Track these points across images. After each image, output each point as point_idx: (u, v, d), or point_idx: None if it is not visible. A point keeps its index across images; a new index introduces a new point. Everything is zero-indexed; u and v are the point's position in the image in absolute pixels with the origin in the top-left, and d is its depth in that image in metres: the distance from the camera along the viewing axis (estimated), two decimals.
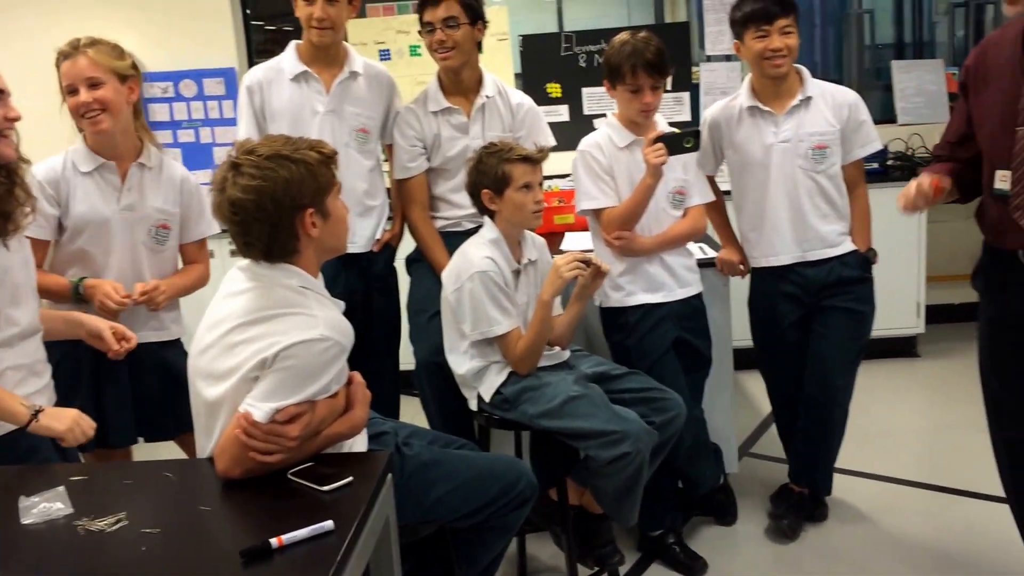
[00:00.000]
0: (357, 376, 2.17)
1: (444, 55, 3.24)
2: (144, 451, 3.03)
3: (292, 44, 3.30)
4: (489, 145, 2.92)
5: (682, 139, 2.96)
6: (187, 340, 3.01)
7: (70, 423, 2.17)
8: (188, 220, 2.98)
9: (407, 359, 3.40)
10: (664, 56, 3.00)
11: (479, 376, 2.89)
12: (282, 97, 3.23)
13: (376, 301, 3.37)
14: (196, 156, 5.11)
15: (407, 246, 3.47)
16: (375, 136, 3.35)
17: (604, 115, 3.23)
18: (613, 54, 3.02)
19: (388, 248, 3.47)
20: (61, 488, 1.92)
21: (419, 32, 3.29)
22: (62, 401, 2.65)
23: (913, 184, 2.55)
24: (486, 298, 2.78)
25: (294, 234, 2.04)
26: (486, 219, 2.91)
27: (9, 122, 2.19)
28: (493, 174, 2.83)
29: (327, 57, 3.25)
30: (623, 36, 3.04)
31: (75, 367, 2.75)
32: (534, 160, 2.86)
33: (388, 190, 3.50)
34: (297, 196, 2.01)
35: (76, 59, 2.68)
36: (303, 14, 3.15)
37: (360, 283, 3.32)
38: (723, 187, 3.40)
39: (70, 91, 2.68)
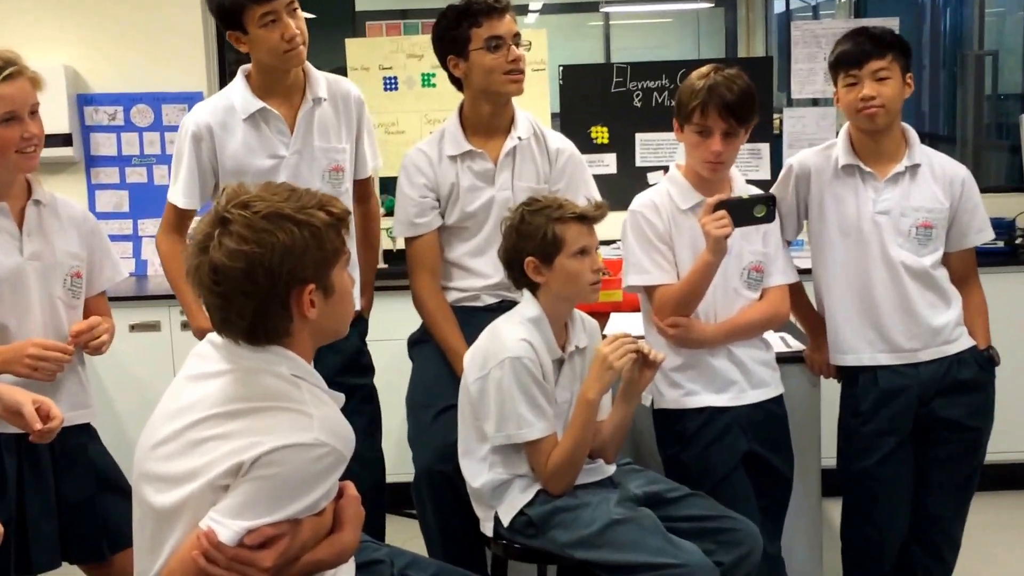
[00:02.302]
0: (350, 488, 2.14)
1: (517, 78, 3.27)
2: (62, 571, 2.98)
3: (241, 74, 3.31)
4: (531, 201, 2.93)
5: (752, 206, 2.95)
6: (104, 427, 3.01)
7: None
8: (94, 266, 2.97)
9: (404, 468, 3.38)
10: (749, 101, 3.02)
11: (499, 492, 2.87)
12: (236, 143, 3.25)
13: (350, 383, 3.31)
14: (147, 202, 5.11)
15: (410, 323, 3.47)
16: (349, 172, 3.39)
17: (664, 168, 3.24)
18: (686, 88, 3.05)
19: (360, 321, 3.48)
20: None
21: (458, 55, 3.28)
22: None
23: None
24: (518, 392, 2.77)
25: (287, 314, 2.02)
26: (525, 293, 2.91)
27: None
28: (540, 237, 2.83)
29: (286, 85, 3.27)
30: (705, 69, 3.07)
31: None
32: (591, 218, 2.87)
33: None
34: (297, 268, 1.99)
35: (19, 81, 2.67)
36: (269, 39, 3.11)
37: (334, 359, 3.22)
38: (798, 260, 3.38)
39: (8, 118, 2.66)
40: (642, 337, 3.18)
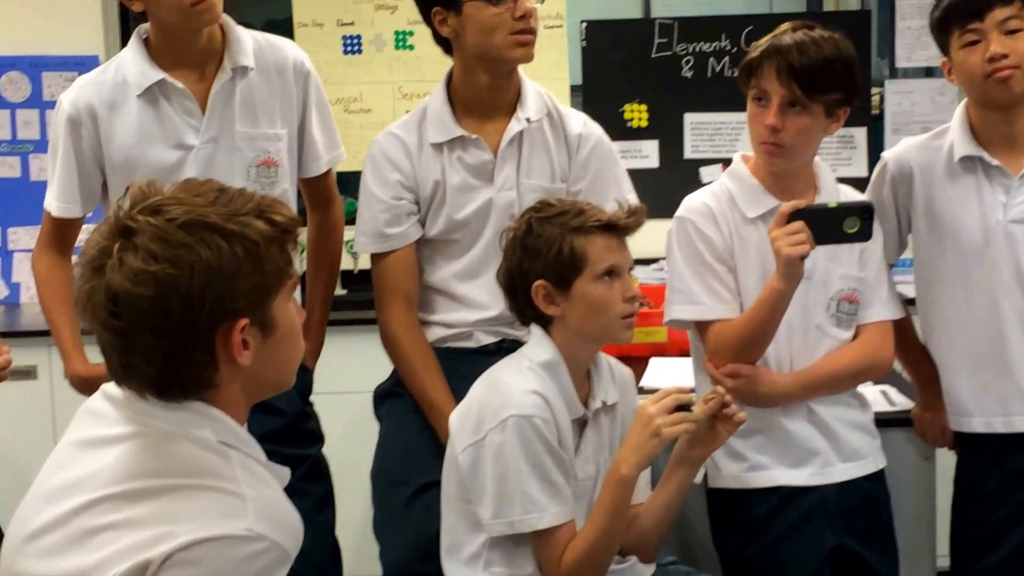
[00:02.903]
0: None
1: (527, 39, 3.29)
2: None
3: (136, 37, 3.34)
4: (541, 206, 2.95)
5: (842, 218, 2.94)
6: None
7: None
8: None
9: (368, 568, 3.39)
10: (831, 68, 3.01)
11: None
12: (127, 128, 3.29)
13: (288, 454, 3.30)
14: (21, 203, 5.15)
15: (377, 370, 3.50)
16: (288, 168, 3.42)
17: (725, 162, 3.26)
18: (753, 47, 3.08)
19: (302, 373, 3.46)
20: None
21: (447, 8, 3.30)
22: None
23: None
24: (525, 463, 2.77)
25: (211, 359, 2.01)
26: (534, 330, 2.93)
27: None
28: (554, 254, 2.84)
29: (197, 51, 3.30)
30: (788, 25, 3.10)
31: None
32: (622, 228, 2.88)
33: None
34: (226, 296, 1.98)
35: None
36: None
37: (267, 423, 3.14)
38: (901, 287, 3.40)
39: None
40: (692, 390, 3.20)
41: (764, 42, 3.05)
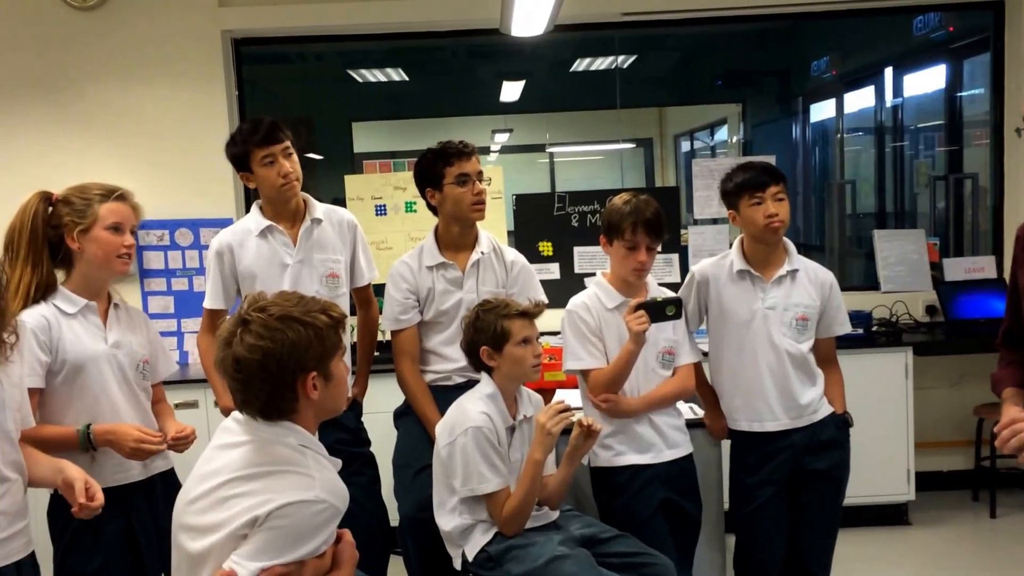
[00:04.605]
0: (347, 535, 2.11)
1: (480, 208, 3.32)
2: None
3: (255, 205, 3.39)
4: (484, 303, 2.97)
5: (664, 307, 3.00)
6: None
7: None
8: (156, 359, 2.99)
9: (390, 516, 3.34)
10: (662, 219, 3.08)
11: (465, 534, 2.84)
12: (251, 254, 3.30)
13: (353, 451, 3.32)
14: (189, 305, 5.13)
15: (395, 398, 3.47)
16: (344, 280, 3.41)
17: (594, 274, 3.27)
18: (614, 210, 3.08)
19: (355, 404, 3.49)
20: None
21: (434, 188, 3.33)
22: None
23: (1009, 434, 2.10)
24: (478, 454, 2.77)
25: (294, 396, 2.02)
26: (483, 374, 2.93)
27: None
28: (491, 330, 2.86)
29: (290, 211, 3.34)
30: (625, 196, 3.12)
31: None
32: (531, 314, 2.91)
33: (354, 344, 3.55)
34: (302, 360, 2.00)
35: (128, 204, 2.82)
36: (268, 176, 3.22)
37: (340, 434, 3.24)
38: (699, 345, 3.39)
39: (115, 228, 2.77)
40: (580, 409, 3.20)
41: (628, 211, 3.03)
